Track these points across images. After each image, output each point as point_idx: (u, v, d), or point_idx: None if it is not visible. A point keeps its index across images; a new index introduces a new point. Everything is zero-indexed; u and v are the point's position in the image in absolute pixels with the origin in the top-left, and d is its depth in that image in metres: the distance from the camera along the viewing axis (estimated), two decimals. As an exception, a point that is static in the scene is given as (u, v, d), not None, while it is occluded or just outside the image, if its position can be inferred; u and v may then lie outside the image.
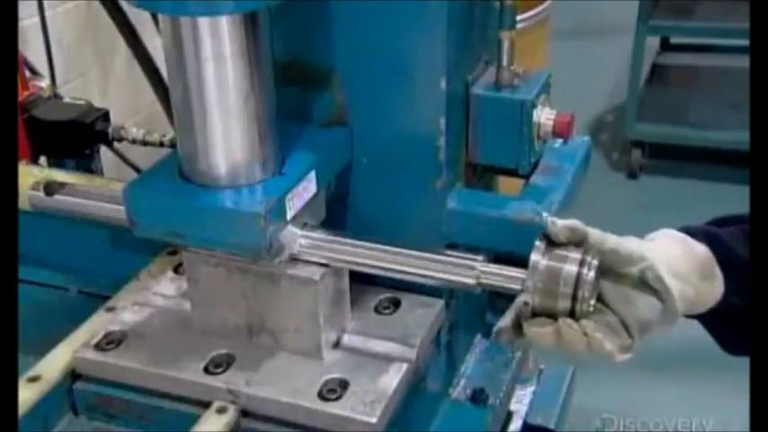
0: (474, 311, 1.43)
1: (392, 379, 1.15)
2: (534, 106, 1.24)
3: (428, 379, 1.29)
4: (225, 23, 1.03)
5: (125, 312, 1.29)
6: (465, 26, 1.21)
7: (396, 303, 1.29)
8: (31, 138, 1.85)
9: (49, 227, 1.44)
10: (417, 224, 1.25)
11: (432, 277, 1.13)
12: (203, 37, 1.03)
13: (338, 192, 1.27)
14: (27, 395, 1.17)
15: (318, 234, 1.16)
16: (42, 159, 1.92)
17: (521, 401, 1.72)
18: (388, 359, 1.19)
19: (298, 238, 1.15)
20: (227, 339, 1.22)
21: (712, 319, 1.11)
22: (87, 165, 1.93)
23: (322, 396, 1.13)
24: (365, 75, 1.19)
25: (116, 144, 1.98)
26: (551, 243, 1.05)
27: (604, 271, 1.04)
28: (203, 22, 1.02)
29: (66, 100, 1.99)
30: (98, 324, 1.28)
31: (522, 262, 1.06)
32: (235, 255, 1.16)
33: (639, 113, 4.17)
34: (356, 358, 1.19)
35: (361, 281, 1.27)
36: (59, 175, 1.43)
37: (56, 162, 1.90)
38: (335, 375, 1.16)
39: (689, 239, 1.09)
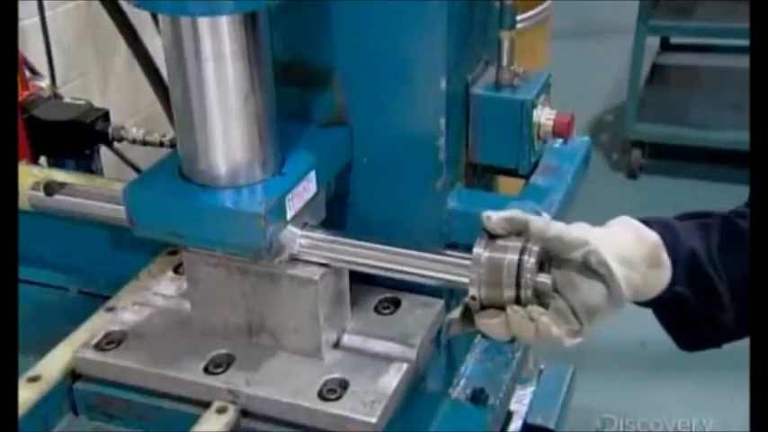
0: (474, 311, 1.43)
1: (392, 379, 1.15)
2: (534, 106, 1.24)
3: (428, 379, 1.28)
4: (225, 23, 1.03)
5: (125, 312, 1.29)
6: (465, 26, 1.21)
7: (396, 303, 1.29)
8: (31, 138, 1.84)
9: (49, 227, 1.44)
10: (417, 224, 1.25)
11: (432, 277, 1.13)
12: (203, 37, 1.03)
13: (338, 192, 1.27)
14: (27, 395, 1.17)
15: (318, 234, 1.16)
16: (42, 159, 1.92)
17: (521, 401, 1.72)
18: (388, 359, 1.19)
19: (298, 238, 1.15)
20: (227, 339, 1.22)
21: (661, 308, 1.12)
22: (87, 165, 1.93)
23: (322, 396, 1.13)
24: (365, 75, 1.19)
25: (116, 144, 1.98)
26: (493, 237, 1.06)
27: (551, 258, 1.05)
28: (203, 22, 1.02)
29: (67, 100, 1.99)
30: (98, 324, 1.28)
31: None
32: (235, 255, 1.16)
33: (639, 113, 4.17)
34: (356, 358, 1.19)
35: (361, 281, 1.27)
36: (59, 175, 1.43)
37: (56, 162, 1.90)
38: (335, 375, 1.16)
39: (641, 227, 1.09)
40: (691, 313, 1.10)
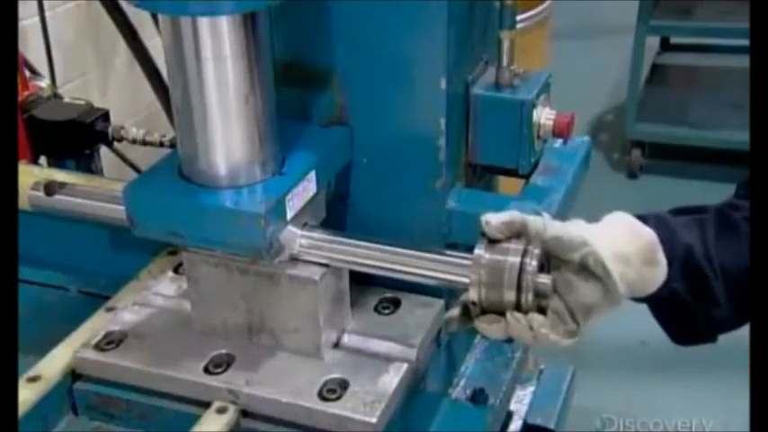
0: (474, 311, 1.43)
1: (392, 379, 1.15)
2: (534, 106, 1.24)
3: (428, 379, 1.28)
4: (225, 23, 1.03)
5: (125, 312, 1.29)
6: (465, 26, 1.21)
7: (396, 303, 1.29)
8: (31, 138, 1.85)
9: (49, 227, 1.44)
10: (417, 224, 1.25)
11: (432, 277, 1.13)
12: (203, 37, 1.03)
13: (338, 192, 1.27)
14: (27, 395, 1.17)
15: (318, 234, 1.16)
16: (42, 159, 1.92)
17: (521, 401, 1.72)
18: (388, 359, 1.19)
19: (298, 238, 1.15)
20: (227, 339, 1.22)
21: (657, 304, 1.13)
22: (87, 165, 1.93)
23: (322, 396, 1.13)
24: (365, 75, 1.19)
25: (116, 144, 1.98)
26: (492, 240, 1.06)
27: (549, 258, 1.05)
28: (203, 22, 1.02)
29: (67, 100, 1.99)
30: (98, 324, 1.28)
31: None
32: (235, 255, 1.16)
33: (639, 113, 4.17)
34: (356, 358, 1.19)
35: (361, 281, 1.27)
36: (59, 175, 1.43)
37: (56, 162, 1.90)
38: (335, 375, 1.16)
39: (637, 223, 1.10)
40: (685, 309, 1.11)
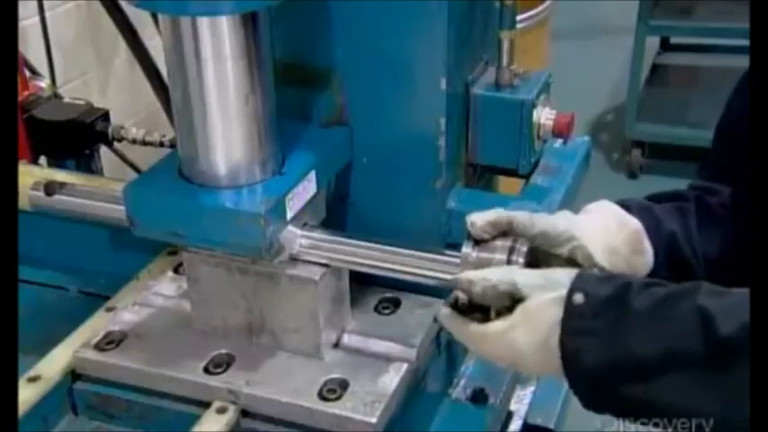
0: (474, 311, 1.43)
1: (392, 379, 1.15)
2: (534, 106, 1.24)
3: (428, 379, 1.28)
4: (225, 23, 1.03)
5: (125, 312, 1.29)
6: (465, 26, 1.21)
7: (396, 303, 1.29)
8: (31, 138, 1.85)
9: (49, 227, 1.44)
10: (417, 224, 1.25)
11: (431, 277, 1.13)
12: (203, 37, 1.03)
13: (338, 192, 1.27)
14: (27, 395, 1.17)
15: (318, 234, 1.16)
16: (42, 159, 1.92)
17: (521, 401, 1.71)
18: (388, 359, 1.19)
19: (298, 238, 1.15)
20: (227, 339, 1.22)
21: None
22: (87, 165, 1.93)
23: (322, 396, 1.13)
24: (365, 75, 1.19)
25: (116, 144, 1.98)
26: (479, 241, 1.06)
27: (538, 252, 1.06)
28: (203, 22, 1.02)
29: (66, 100, 1.99)
30: (98, 324, 1.28)
31: None
32: (235, 255, 1.16)
33: (639, 113, 4.17)
34: (356, 358, 1.19)
35: (362, 281, 1.27)
36: (59, 175, 1.43)
37: (56, 162, 1.90)
38: (335, 375, 1.16)
39: (623, 213, 1.11)
40: None
